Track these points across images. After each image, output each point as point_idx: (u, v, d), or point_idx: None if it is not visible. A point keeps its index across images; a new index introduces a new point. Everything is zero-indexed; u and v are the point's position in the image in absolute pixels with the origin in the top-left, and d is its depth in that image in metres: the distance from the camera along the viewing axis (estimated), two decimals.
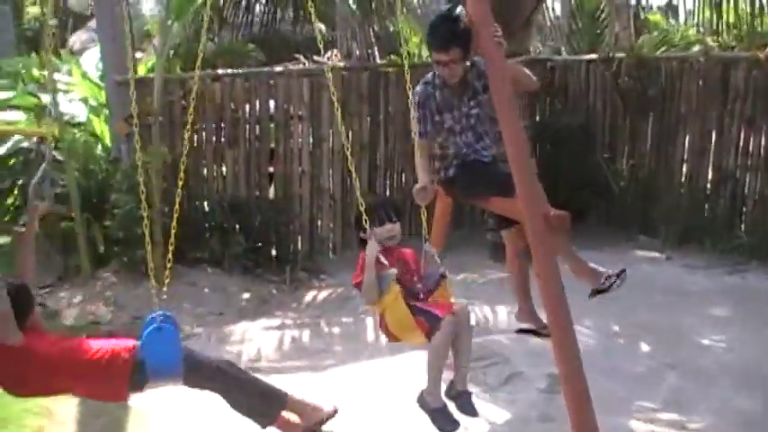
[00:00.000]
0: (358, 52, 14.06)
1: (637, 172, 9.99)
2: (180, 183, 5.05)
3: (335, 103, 5.52)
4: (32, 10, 25.05)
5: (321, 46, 5.85)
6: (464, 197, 5.69)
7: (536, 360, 5.93)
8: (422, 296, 4.58)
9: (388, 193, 9.93)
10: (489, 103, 4.85)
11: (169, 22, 8.28)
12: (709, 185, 9.44)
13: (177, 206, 4.87)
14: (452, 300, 4.65)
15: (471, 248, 9.31)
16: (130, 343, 4.51)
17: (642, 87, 9.68)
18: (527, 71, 5.27)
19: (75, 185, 8.36)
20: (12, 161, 10.00)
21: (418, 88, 5.24)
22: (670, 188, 9.62)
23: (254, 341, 6.94)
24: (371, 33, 16.26)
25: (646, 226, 9.83)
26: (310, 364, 6.34)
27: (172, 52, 15.10)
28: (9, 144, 10.18)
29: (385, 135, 9.85)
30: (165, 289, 4.59)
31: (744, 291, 7.85)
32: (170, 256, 4.67)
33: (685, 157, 9.59)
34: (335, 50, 19.54)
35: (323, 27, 22.58)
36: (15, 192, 9.89)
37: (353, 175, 5.26)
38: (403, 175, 9.93)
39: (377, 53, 14.86)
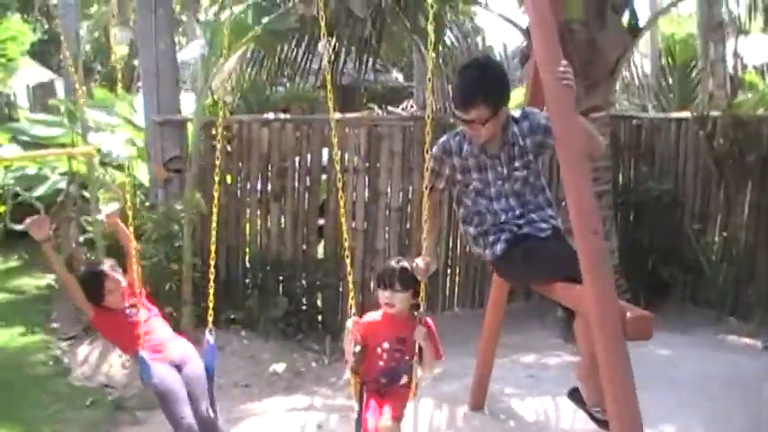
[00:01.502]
0: (434, 104, 13.29)
1: (731, 246, 8.81)
2: (213, 234, 5.16)
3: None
4: (119, 49, 25.16)
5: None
6: (517, 281, 4.73)
7: None
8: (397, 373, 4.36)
9: (450, 256, 9.01)
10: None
11: (213, 60, 7.53)
12: None
13: (212, 260, 5.12)
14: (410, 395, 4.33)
15: (540, 324, 8.33)
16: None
17: (740, 151, 8.56)
18: (595, 131, 4.25)
19: (101, 232, 7.65)
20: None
21: (442, 138, 4.50)
22: None
23: (272, 425, 5.99)
24: (448, 85, 15.61)
25: (739, 308, 8.66)
26: None
27: (238, 96, 14.72)
28: (47, 184, 9.68)
29: (450, 192, 8.89)
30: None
31: None
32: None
33: None
34: (412, 101, 18.99)
35: (400, 77, 22.21)
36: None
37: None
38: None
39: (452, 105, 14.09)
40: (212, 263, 5.14)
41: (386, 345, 4.35)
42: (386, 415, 4.22)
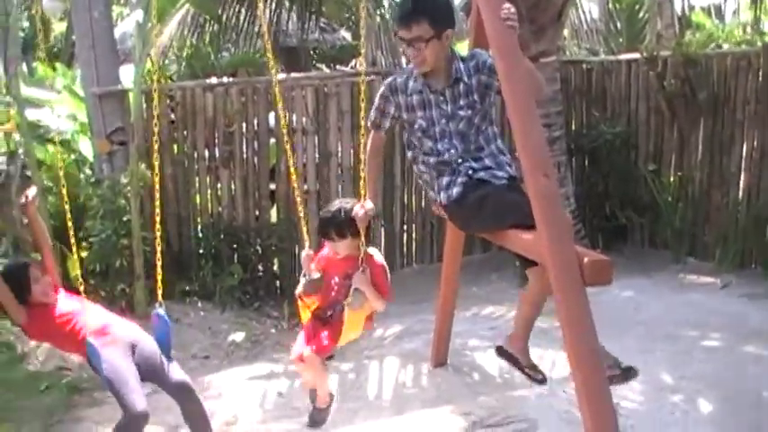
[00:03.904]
0: (383, 61, 13.14)
1: (686, 186, 8.76)
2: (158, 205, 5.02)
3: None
4: (58, 27, 24.65)
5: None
6: (470, 229, 4.61)
7: (573, 429, 4.76)
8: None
9: (406, 212, 8.89)
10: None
11: (148, 27, 7.27)
12: None
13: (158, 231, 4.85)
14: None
15: (498, 275, 8.27)
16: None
17: (691, 89, 8.46)
18: (537, 73, 4.09)
19: (46, 209, 7.41)
20: None
21: (389, 78, 4.36)
22: (725, 204, 8.41)
23: (234, 395, 5.87)
24: (394, 38, 15.43)
25: (697, 247, 8.66)
26: (294, 427, 5.22)
27: (183, 64, 14.40)
28: None
29: (402, 147, 8.75)
30: None
31: None
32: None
33: (743, 168, 8.34)
34: (360, 59, 18.76)
35: (348, 36, 21.90)
36: None
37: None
38: (423, 192, 8.83)
39: (404, 62, 14.01)
40: (158, 234, 4.88)
41: (336, 279, 4.42)
42: (313, 346, 4.37)
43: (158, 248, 4.83)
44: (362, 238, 4.28)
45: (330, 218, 4.33)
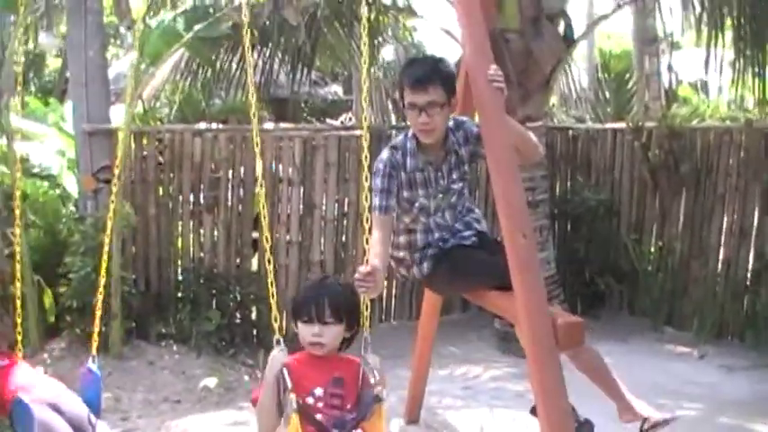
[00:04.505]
0: (372, 117, 13.26)
1: (666, 256, 8.84)
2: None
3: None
4: (53, 63, 24.85)
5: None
6: (449, 293, 4.60)
7: None
8: (350, 428, 3.27)
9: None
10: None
11: (142, 68, 7.33)
12: (749, 273, 8.24)
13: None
14: None
15: (477, 335, 8.28)
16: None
17: (674, 161, 8.59)
18: (531, 135, 4.10)
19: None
20: None
21: (383, 154, 4.12)
22: (704, 275, 8.48)
23: None
24: (387, 100, 15.62)
25: (674, 317, 8.69)
26: None
27: (174, 108, 14.48)
28: None
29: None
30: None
31: None
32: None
33: (722, 240, 8.44)
34: (350, 114, 18.92)
35: (339, 90, 22.12)
36: None
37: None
38: None
39: (393, 118, 14.19)
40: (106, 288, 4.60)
41: (318, 391, 3.33)
42: None
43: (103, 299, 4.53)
44: (365, 326, 3.51)
45: (321, 291, 3.44)
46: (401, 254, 4.26)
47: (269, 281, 3.69)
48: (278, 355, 3.34)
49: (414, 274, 4.25)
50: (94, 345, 4.38)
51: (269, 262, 3.58)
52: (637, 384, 6.66)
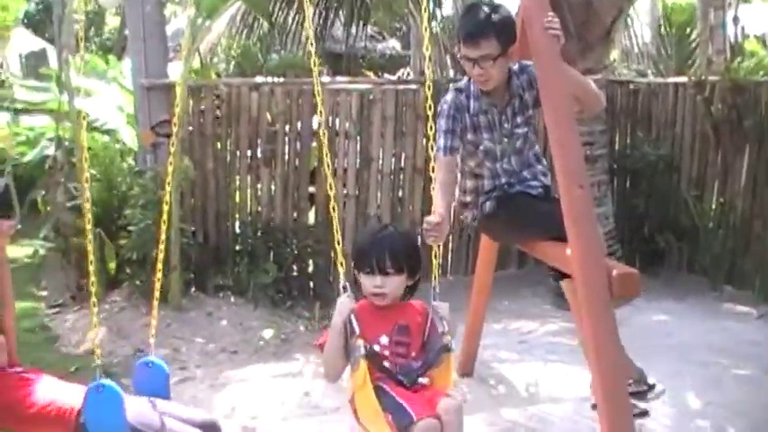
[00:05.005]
0: (431, 72, 13.13)
1: (727, 213, 8.68)
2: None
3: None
4: (112, 21, 25.18)
5: None
6: (504, 240, 4.59)
7: None
8: (416, 376, 3.27)
9: None
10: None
11: (198, 22, 7.36)
12: None
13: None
14: (450, 385, 3.29)
15: (532, 291, 8.22)
16: (78, 400, 3.54)
17: (738, 116, 8.39)
18: (593, 85, 4.05)
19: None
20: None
21: (448, 95, 4.15)
22: (766, 234, 8.29)
23: (257, 391, 5.90)
24: (445, 55, 15.50)
25: (735, 276, 8.53)
26: (315, 426, 5.24)
27: (231, 63, 14.56)
28: (36, 151, 9.62)
29: None
30: None
31: None
32: None
33: None
34: (408, 69, 18.82)
35: (398, 45, 22.03)
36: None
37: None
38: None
39: (451, 73, 14.08)
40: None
41: (384, 339, 3.33)
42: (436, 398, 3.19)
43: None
44: (434, 274, 3.46)
45: (384, 242, 3.36)
46: (468, 198, 4.30)
47: (334, 227, 3.59)
48: (345, 300, 3.30)
49: (474, 215, 4.26)
50: (152, 330, 4.12)
51: (333, 210, 3.51)
52: (692, 344, 6.68)
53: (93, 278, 3.72)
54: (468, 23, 4.01)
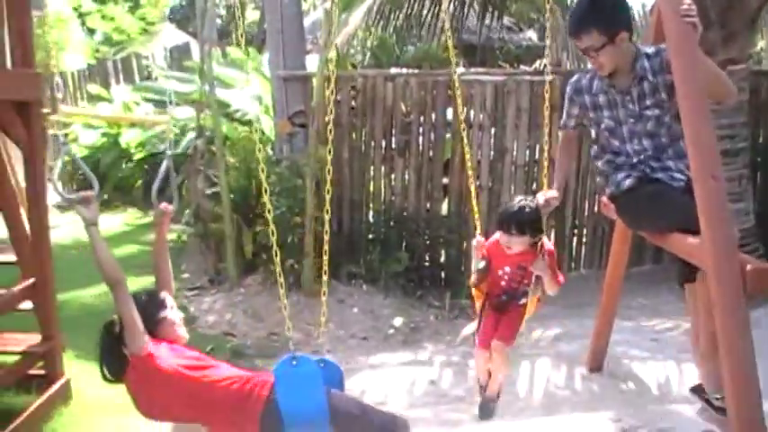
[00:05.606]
0: (568, 62, 12.95)
1: None
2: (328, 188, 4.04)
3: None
4: (251, 15, 25.85)
5: None
6: (636, 223, 4.51)
7: None
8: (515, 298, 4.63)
9: (577, 216, 8.74)
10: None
11: (335, 13, 7.50)
12: None
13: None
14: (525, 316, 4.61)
15: (667, 288, 7.97)
16: (269, 377, 3.48)
17: None
18: (725, 75, 3.96)
19: (227, 185, 7.81)
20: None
21: (573, 77, 4.41)
22: None
23: (385, 378, 5.99)
24: None
25: None
26: (442, 417, 5.27)
27: (368, 54, 14.71)
28: (184, 142, 9.99)
29: (578, 150, 8.60)
30: None
31: None
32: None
33: None
34: (545, 60, 18.59)
35: (534, 36, 21.74)
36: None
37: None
38: (596, 196, 8.65)
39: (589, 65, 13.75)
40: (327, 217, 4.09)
41: (507, 269, 4.58)
42: (500, 334, 4.56)
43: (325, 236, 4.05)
44: (543, 239, 4.41)
45: (514, 212, 4.39)
46: (604, 168, 4.44)
47: (473, 200, 4.97)
48: (479, 239, 4.61)
49: (612, 189, 4.34)
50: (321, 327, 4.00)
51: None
52: None
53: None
54: (571, 18, 4.19)
